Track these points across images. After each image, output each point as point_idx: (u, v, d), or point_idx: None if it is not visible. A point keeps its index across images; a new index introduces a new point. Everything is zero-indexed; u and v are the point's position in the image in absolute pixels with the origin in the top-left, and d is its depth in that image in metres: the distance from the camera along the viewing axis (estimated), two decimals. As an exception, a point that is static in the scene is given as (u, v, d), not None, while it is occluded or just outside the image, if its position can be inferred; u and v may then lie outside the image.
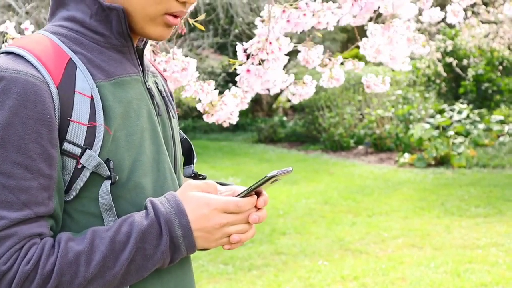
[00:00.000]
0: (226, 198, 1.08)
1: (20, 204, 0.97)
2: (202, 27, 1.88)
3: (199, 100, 2.05)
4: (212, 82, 2.07)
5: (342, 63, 2.35)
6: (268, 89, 2.16)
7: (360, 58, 2.70)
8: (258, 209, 1.12)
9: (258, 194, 1.12)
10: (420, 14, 2.68)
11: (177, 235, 1.04)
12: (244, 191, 1.10)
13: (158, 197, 1.09)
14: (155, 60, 1.92)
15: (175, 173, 1.21)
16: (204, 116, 2.05)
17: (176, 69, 1.89)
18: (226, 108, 2.03)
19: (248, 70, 1.79)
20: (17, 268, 0.96)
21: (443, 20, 2.64)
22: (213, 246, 1.10)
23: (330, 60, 2.29)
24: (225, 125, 2.12)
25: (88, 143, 1.03)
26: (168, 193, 1.08)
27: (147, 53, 1.93)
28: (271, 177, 1.05)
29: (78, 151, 1.02)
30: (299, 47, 2.12)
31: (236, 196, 1.10)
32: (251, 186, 1.08)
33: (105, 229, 1.02)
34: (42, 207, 0.99)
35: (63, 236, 1.01)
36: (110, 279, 1.01)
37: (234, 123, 2.12)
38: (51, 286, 0.97)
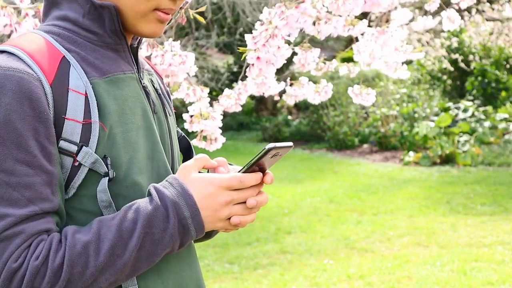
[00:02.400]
0: (229, 175, 1.07)
1: (25, 201, 0.97)
2: (202, 19, 1.86)
3: (183, 101, 2.02)
4: (206, 90, 2.04)
5: (336, 67, 2.31)
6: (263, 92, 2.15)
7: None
8: (261, 189, 1.11)
9: (263, 172, 1.10)
10: (425, 14, 2.64)
11: (185, 216, 1.03)
12: (244, 166, 1.09)
13: (160, 182, 1.08)
14: (151, 54, 1.89)
15: (173, 171, 1.21)
16: (187, 124, 1.99)
17: (173, 62, 1.86)
18: (212, 123, 2.00)
19: (258, 58, 1.74)
20: (27, 265, 0.96)
21: (448, 17, 2.57)
22: (220, 227, 1.09)
23: (324, 63, 2.26)
24: (202, 145, 2.07)
25: (84, 140, 1.03)
26: (169, 177, 1.08)
27: (143, 46, 1.91)
28: (269, 150, 1.04)
29: (74, 148, 1.02)
30: (296, 49, 2.09)
31: (238, 172, 1.10)
32: (251, 160, 1.07)
33: (111, 217, 1.02)
34: (47, 202, 0.99)
35: (69, 230, 1.01)
36: (121, 267, 1.00)
37: (218, 145, 2.06)
38: (63, 279, 0.96)
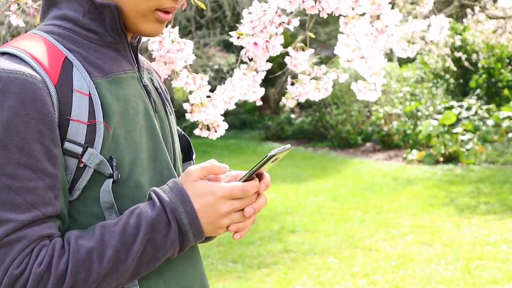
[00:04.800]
0: (231, 185, 1.06)
1: (28, 205, 0.96)
2: (203, 6, 1.82)
3: (187, 98, 1.96)
4: (206, 77, 2.00)
5: (325, 73, 2.27)
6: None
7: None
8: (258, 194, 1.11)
9: (259, 176, 1.11)
10: (433, 12, 2.58)
11: (184, 223, 1.03)
12: (246, 174, 1.09)
13: (161, 186, 1.08)
14: (148, 40, 1.86)
15: (175, 169, 1.20)
16: (188, 115, 1.95)
17: (170, 48, 1.81)
18: (214, 110, 1.95)
19: (255, 43, 1.70)
20: (29, 271, 0.95)
21: (451, 15, 2.51)
22: (219, 233, 1.09)
23: (312, 68, 2.22)
24: (205, 134, 2.01)
25: (89, 141, 1.02)
26: (170, 181, 1.07)
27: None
28: (271, 157, 1.05)
29: (79, 149, 1.01)
30: (289, 49, 2.04)
31: (239, 180, 1.09)
32: (253, 168, 1.08)
33: (113, 223, 1.01)
34: (50, 207, 0.98)
35: (72, 235, 1.00)
36: (123, 273, 1.00)
37: (221, 132, 2.01)
38: (67, 286, 0.95)
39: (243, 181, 1.08)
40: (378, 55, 2.19)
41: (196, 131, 1.99)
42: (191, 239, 1.05)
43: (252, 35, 1.68)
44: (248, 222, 1.10)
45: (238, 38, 1.75)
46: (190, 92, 1.98)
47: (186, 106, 1.96)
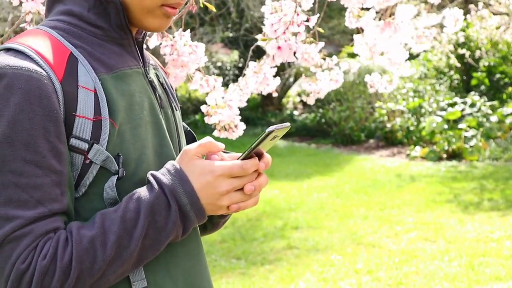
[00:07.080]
0: (230, 163, 1.05)
1: (34, 202, 0.96)
2: (213, 8, 1.82)
3: (190, 95, 1.97)
4: (220, 79, 2.01)
5: (337, 64, 2.26)
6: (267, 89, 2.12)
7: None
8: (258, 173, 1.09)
9: (259, 156, 1.08)
10: (431, 7, 2.56)
11: (184, 203, 1.02)
12: (245, 152, 1.07)
13: (159, 170, 1.07)
14: (161, 43, 1.86)
15: None
16: (205, 118, 1.96)
17: (183, 51, 1.81)
18: (229, 111, 1.96)
19: (279, 48, 1.70)
20: (35, 265, 0.95)
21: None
22: (221, 213, 1.08)
23: (324, 60, 2.22)
24: (224, 135, 2.01)
25: (95, 138, 1.01)
26: (168, 163, 1.06)
27: (153, 36, 1.88)
28: (269, 133, 1.03)
29: (85, 146, 1.01)
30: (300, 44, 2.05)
31: (237, 159, 1.07)
32: (251, 145, 1.05)
33: (113, 210, 1.01)
34: (56, 203, 0.98)
35: (73, 226, 0.99)
36: (128, 258, 0.99)
37: (240, 132, 2.02)
38: (73, 276, 0.95)
39: (242, 159, 1.06)
40: (398, 48, 2.19)
41: (215, 133, 1.99)
42: (193, 219, 1.04)
43: (276, 38, 1.68)
44: (250, 202, 1.09)
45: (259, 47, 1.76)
46: (202, 99, 2.00)
47: (203, 108, 1.97)
